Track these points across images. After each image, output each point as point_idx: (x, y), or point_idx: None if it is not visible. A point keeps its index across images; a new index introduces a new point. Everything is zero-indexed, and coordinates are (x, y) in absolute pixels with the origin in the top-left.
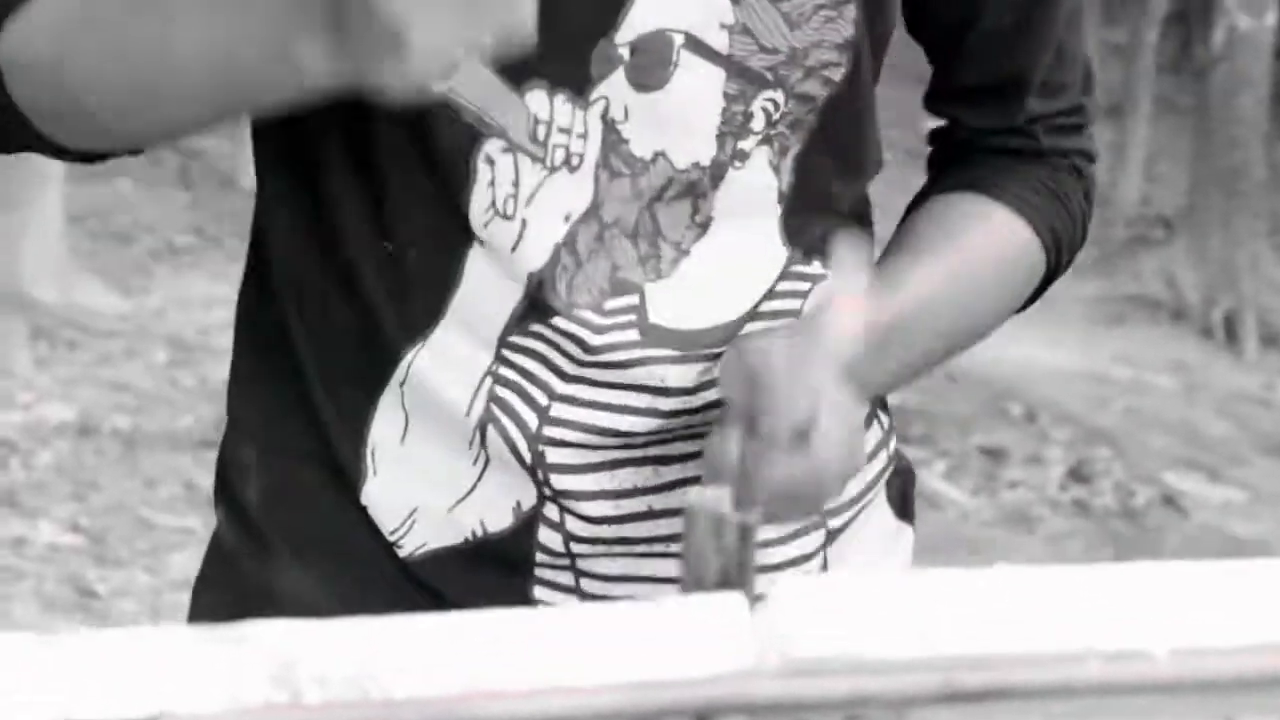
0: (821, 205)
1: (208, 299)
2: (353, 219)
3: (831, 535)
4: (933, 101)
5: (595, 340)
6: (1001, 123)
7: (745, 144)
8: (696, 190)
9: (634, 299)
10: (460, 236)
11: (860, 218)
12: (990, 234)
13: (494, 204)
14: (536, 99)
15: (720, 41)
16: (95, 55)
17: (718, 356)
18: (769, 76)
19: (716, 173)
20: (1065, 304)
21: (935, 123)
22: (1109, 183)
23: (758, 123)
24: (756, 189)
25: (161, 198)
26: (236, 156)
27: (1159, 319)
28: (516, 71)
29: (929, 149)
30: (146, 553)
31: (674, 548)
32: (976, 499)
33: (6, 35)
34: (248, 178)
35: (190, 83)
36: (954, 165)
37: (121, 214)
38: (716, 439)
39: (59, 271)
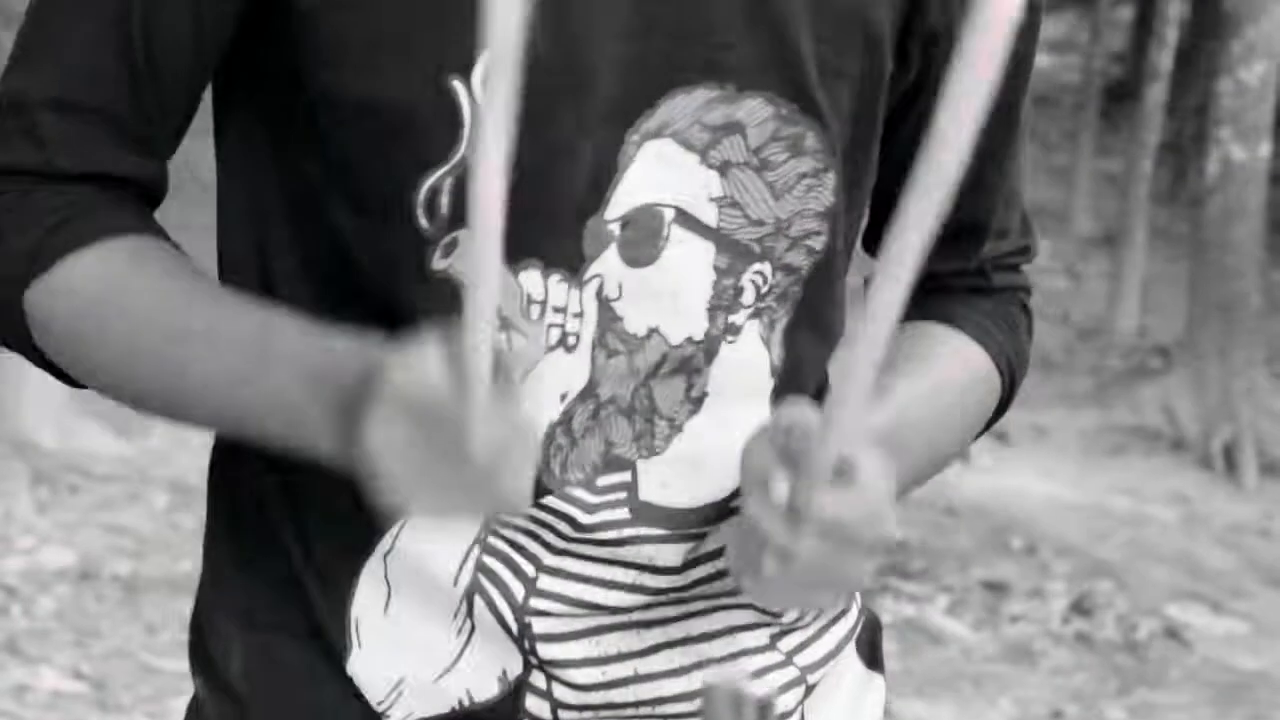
0: (805, 378)
1: (208, 441)
2: None
3: (809, 689)
4: (879, 246)
5: (586, 519)
6: (956, 266)
7: (736, 318)
8: (691, 366)
9: (625, 476)
10: None
11: (824, 387)
12: (956, 360)
13: None
14: (530, 279)
15: (710, 215)
16: (115, 354)
17: (705, 536)
18: (756, 249)
19: (710, 348)
20: (1064, 435)
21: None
22: (1105, 313)
23: (747, 296)
24: (749, 364)
25: None
26: None
27: (1158, 449)
28: (510, 251)
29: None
30: (149, 698)
31: (660, 710)
32: (979, 633)
33: (39, 299)
34: None
35: (204, 410)
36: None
37: None
38: (756, 471)
39: (59, 416)
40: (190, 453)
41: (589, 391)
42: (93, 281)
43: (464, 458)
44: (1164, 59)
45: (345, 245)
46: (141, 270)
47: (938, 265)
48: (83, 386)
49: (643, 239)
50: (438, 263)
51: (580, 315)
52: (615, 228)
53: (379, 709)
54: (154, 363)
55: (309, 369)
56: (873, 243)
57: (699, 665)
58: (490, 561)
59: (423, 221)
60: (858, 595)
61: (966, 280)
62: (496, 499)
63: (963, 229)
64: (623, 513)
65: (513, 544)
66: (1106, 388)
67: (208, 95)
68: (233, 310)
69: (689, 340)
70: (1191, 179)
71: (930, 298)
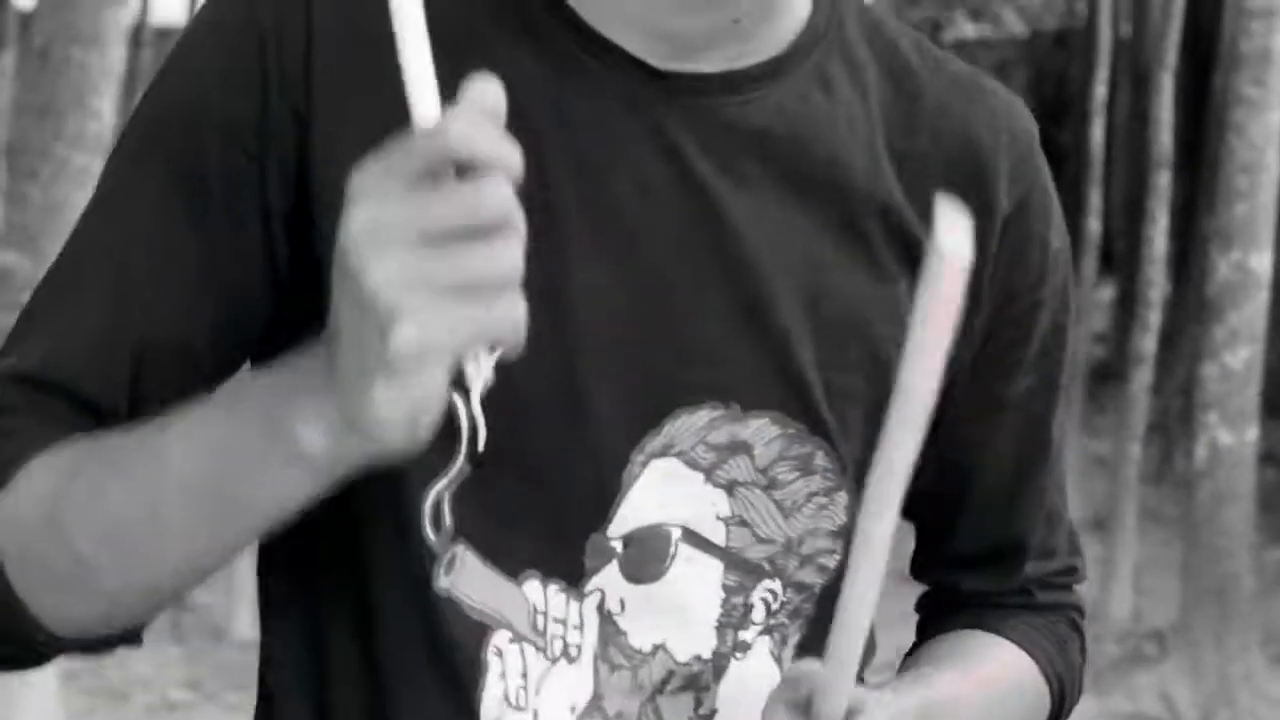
0: None
1: None
2: (354, 715)
3: None
4: (922, 569)
5: None
6: (999, 586)
7: (746, 635)
8: (699, 683)
9: None
10: None
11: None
12: (1003, 663)
13: (506, 695)
14: (531, 589)
15: (718, 534)
16: (90, 496)
17: None
18: (767, 566)
19: (719, 664)
20: None
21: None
22: (1099, 599)
23: (758, 613)
24: (759, 680)
25: (155, 652)
26: (228, 608)
27: None
28: (510, 564)
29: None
30: None
31: None
32: None
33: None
34: (240, 629)
35: (192, 504)
36: (952, 616)
37: (115, 670)
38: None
39: None
40: None
41: (594, 705)
42: (47, 472)
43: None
44: (1147, 343)
45: (351, 561)
46: (94, 442)
47: (980, 584)
48: (57, 640)
49: (647, 557)
50: (440, 580)
51: (580, 627)
52: (618, 544)
53: None
54: (131, 485)
55: (274, 368)
56: (926, 570)
57: None
58: None
59: (429, 534)
60: None
61: (1012, 599)
62: (494, 319)
63: (1003, 548)
64: None
65: None
66: (1102, 675)
67: None
68: (194, 412)
69: (696, 658)
70: (1179, 460)
71: (973, 612)
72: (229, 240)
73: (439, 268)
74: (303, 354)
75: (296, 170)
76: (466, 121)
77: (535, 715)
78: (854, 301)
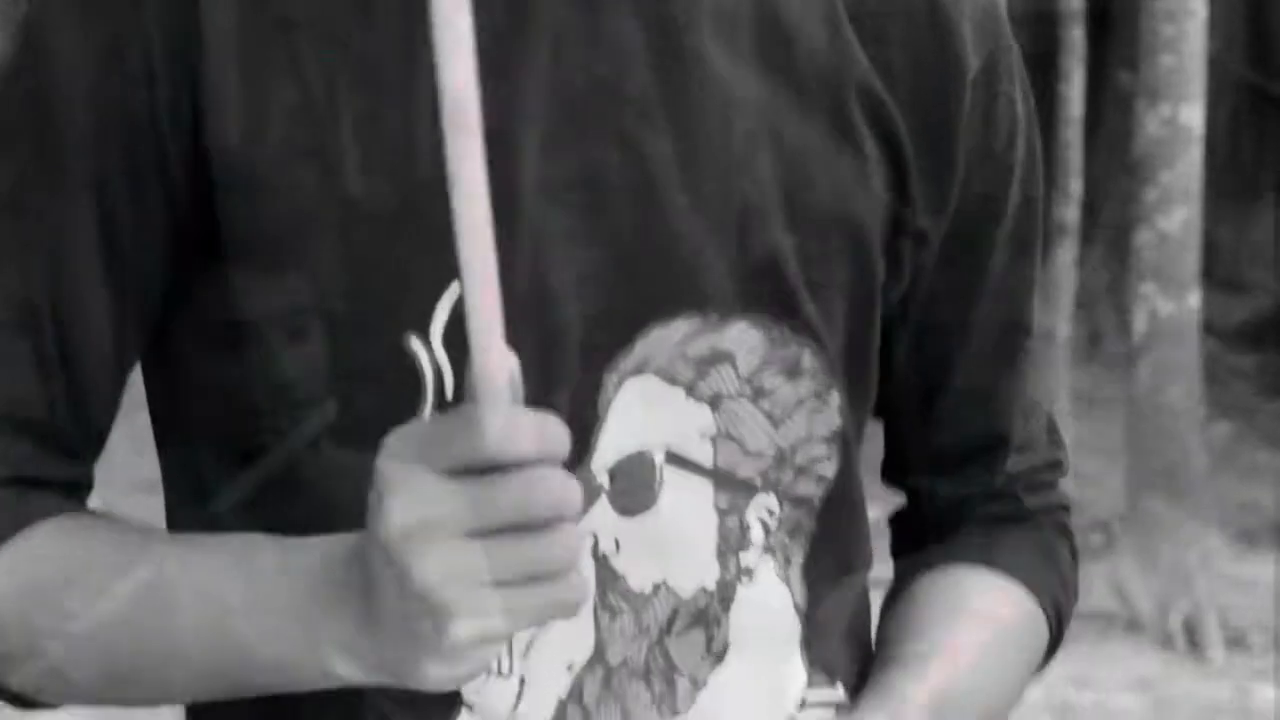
0: (835, 614)
1: None
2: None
3: None
4: (897, 474)
5: None
6: (981, 488)
7: (748, 558)
8: (708, 617)
9: None
10: (442, 705)
11: (863, 619)
12: (1001, 609)
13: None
14: None
15: (704, 453)
16: (76, 651)
17: None
18: (758, 482)
19: (725, 594)
20: None
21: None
22: None
23: (756, 534)
24: (771, 607)
25: None
26: None
27: (1113, 633)
28: None
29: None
30: None
31: None
32: None
33: None
34: None
35: (192, 673)
36: (934, 543)
37: None
38: None
39: None
40: None
41: (597, 658)
42: (34, 560)
43: (488, 459)
44: (1070, 212)
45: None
46: (86, 537)
47: (962, 488)
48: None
49: (633, 486)
50: None
51: None
52: (605, 478)
53: None
54: (127, 624)
55: (298, 566)
56: (890, 471)
57: None
58: None
59: None
60: None
61: (996, 506)
62: (555, 598)
63: (982, 444)
64: None
65: None
66: None
67: None
68: (199, 546)
69: (701, 590)
70: (1110, 337)
71: (961, 534)
72: (134, 218)
73: (490, 563)
74: (337, 554)
75: (191, 112)
76: (504, 421)
77: (522, 681)
78: (832, 181)
